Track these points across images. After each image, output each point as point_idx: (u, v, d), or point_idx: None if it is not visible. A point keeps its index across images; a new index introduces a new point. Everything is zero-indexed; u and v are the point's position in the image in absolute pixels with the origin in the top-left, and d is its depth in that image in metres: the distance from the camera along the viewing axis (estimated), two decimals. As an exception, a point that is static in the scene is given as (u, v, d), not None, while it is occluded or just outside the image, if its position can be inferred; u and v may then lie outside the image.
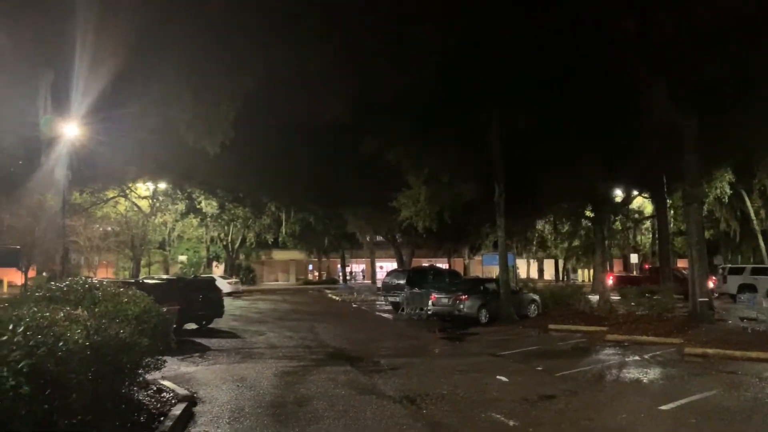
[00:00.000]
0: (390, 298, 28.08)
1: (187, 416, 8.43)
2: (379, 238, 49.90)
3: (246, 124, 20.40)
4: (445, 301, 22.19)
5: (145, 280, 20.89)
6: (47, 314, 5.66)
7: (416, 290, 24.95)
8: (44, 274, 44.87)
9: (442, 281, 26.73)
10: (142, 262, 47.14)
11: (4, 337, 4.72)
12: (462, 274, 43.60)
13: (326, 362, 13.89)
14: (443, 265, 48.09)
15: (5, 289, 51.93)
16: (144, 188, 43.84)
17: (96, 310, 7.49)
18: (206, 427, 8.03)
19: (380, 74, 18.56)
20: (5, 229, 31.89)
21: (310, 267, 69.42)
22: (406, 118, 23.18)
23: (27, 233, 32.32)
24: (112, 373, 6.42)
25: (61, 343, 5.11)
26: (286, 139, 27.10)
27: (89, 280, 8.50)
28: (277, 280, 68.17)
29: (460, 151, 23.99)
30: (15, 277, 53.73)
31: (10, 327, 4.90)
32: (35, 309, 6.36)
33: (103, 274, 49.38)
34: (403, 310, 25.23)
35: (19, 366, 4.64)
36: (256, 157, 30.34)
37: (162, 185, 43.20)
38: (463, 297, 21.81)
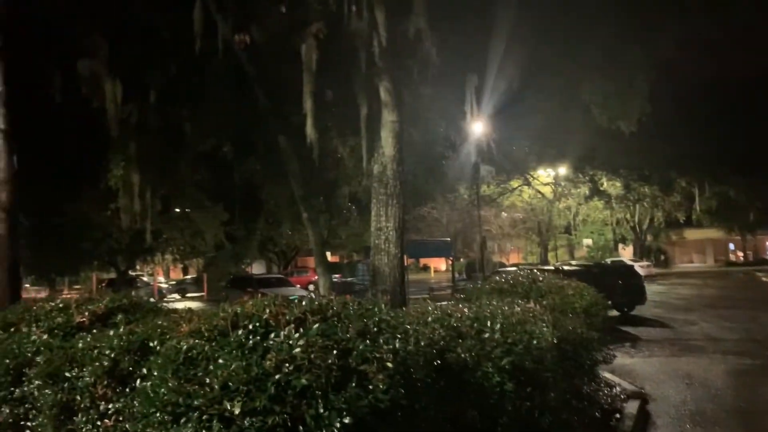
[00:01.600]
0: None
1: (643, 415, 7.87)
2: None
3: (655, 96, 18.85)
4: None
5: (563, 266, 21.03)
6: (516, 310, 5.79)
7: None
8: (461, 260, 50.14)
9: None
10: (549, 247, 48.43)
11: (486, 335, 4.91)
12: None
13: (790, 362, 11.68)
14: None
15: (432, 274, 59.65)
16: (545, 175, 44.88)
17: (544, 302, 7.51)
18: (669, 430, 7.34)
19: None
20: (432, 222, 36.49)
21: (732, 247, 61.35)
22: None
23: (450, 225, 36.30)
24: (574, 370, 6.28)
25: (535, 341, 5.12)
26: (700, 104, 24.23)
27: (532, 273, 8.65)
28: (691, 262, 62.22)
29: None
30: (438, 263, 61.24)
31: (488, 324, 5.09)
32: (495, 303, 6.63)
33: (515, 260, 52.45)
34: None
35: (502, 363, 4.76)
36: (664, 129, 27.97)
37: (562, 170, 43.55)
38: None
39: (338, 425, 3.49)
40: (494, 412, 4.69)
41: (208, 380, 3.69)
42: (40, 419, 4.89)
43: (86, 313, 5.83)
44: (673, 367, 11.34)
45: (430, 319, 5.03)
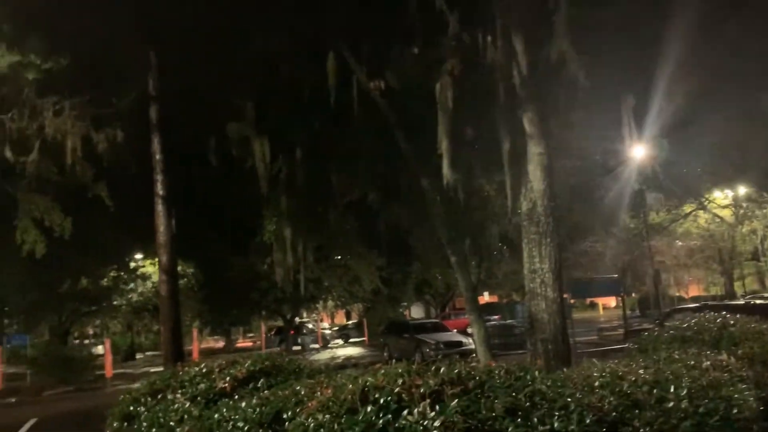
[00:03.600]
0: None
1: None
2: None
3: None
4: None
5: (755, 302, 18.37)
6: (706, 365, 4.77)
7: None
8: (633, 295, 46.27)
9: None
10: (734, 276, 43.35)
11: (670, 403, 4.00)
12: None
13: None
14: None
15: (601, 311, 55.77)
16: (722, 197, 40.45)
17: (739, 352, 6.26)
18: None
19: None
20: (596, 256, 34.16)
21: None
22: None
23: (616, 259, 33.78)
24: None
25: (735, 410, 4.10)
26: None
27: (720, 317, 7.35)
28: None
29: None
30: (607, 300, 57.19)
31: (672, 389, 4.16)
32: (677, 355, 5.60)
33: (694, 292, 47.64)
34: None
35: (694, 440, 3.83)
36: None
37: (743, 190, 38.95)
38: None
39: None
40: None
41: (333, 468, 3.26)
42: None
43: (228, 378, 5.70)
44: None
45: (597, 384, 4.22)
